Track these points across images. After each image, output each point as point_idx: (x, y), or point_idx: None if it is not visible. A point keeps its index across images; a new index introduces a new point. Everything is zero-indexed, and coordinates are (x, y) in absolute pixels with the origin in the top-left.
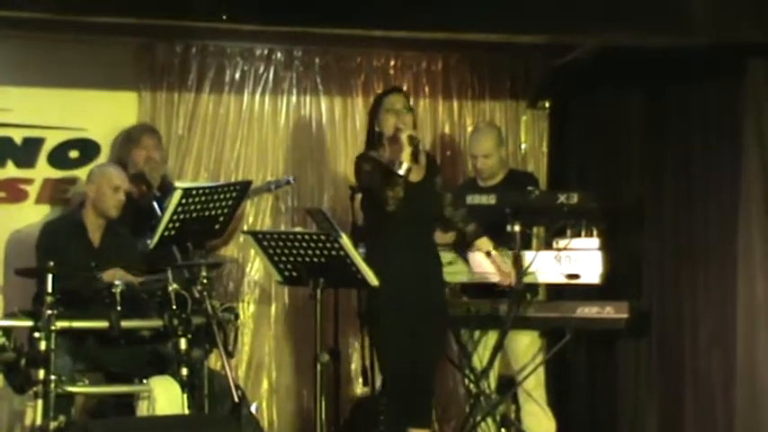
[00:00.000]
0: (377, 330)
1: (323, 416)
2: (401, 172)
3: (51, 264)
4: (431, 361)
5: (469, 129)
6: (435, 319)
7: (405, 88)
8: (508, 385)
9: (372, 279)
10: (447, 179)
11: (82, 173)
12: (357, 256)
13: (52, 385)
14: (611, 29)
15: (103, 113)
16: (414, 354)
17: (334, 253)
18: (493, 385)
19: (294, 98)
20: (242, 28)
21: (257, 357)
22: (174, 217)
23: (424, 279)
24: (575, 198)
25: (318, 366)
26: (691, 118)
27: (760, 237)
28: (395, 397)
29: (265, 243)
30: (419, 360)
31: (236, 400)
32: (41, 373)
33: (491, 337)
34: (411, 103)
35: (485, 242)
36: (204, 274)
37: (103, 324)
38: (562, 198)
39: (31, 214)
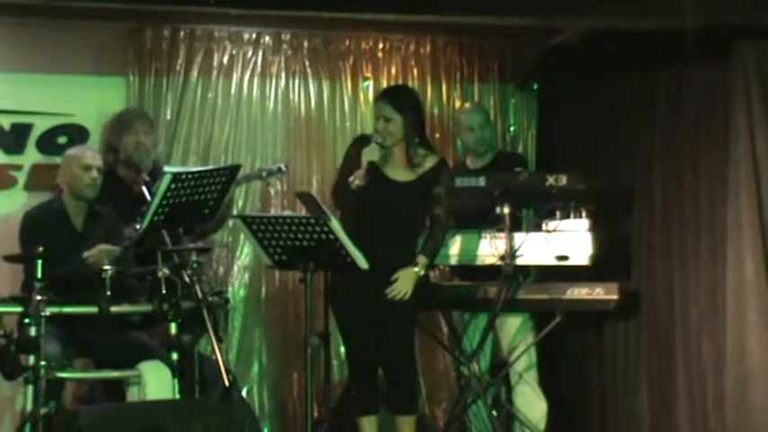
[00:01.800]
0: (337, 318)
1: (313, 399)
2: (352, 186)
3: (40, 249)
4: (399, 347)
5: (459, 108)
6: (397, 306)
7: (393, 73)
8: (500, 368)
9: (362, 262)
10: None
11: None
12: (346, 240)
13: (42, 371)
14: (598, 12)
15: (91, 99)
16: (379, 340)
17: (323, 236)
18: (485, 368)
19: (283, 82)
20: (230, 12)
21: (247, 341)
22: (164, 202)
23: (387, 271)
24: (563, 180)
25: (308, 350)
26: (680, 100)
27: (749, 218)
28: (359, 381)
29: (255, 227)
30: (387, 347)
31: (227, 384)
32: (31, 359)
33: (481, 320)
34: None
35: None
36: (194, 258)
37: (93, 309)
38: (551, 180)
39: (20, 200)
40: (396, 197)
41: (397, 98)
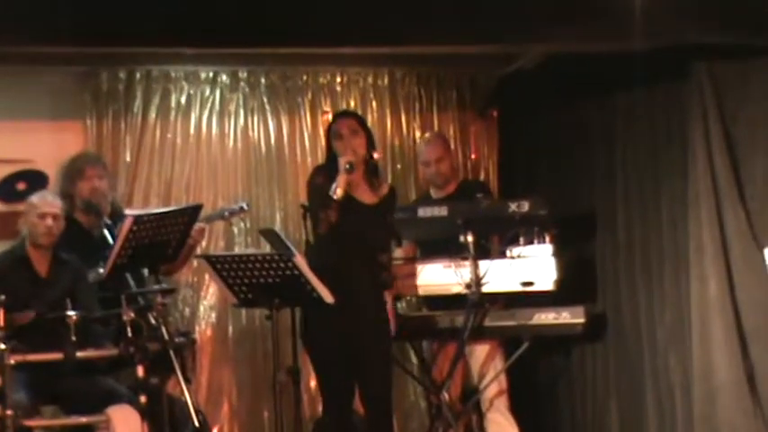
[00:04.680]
0: (312, 355)
1: None
2: (335, 196)
3: (2, 297)
4: (377, 380)
5: (419, 140)
6: (372, 340)
7: (353, 105)
8: (471, 395)
9: (328, 296)
10: (399, 194)
11: None
12: (311, 275)
13: (9, 420)
14: (552, 37)
15: (50, 143)
16: (355, 375)
17: (288, 273)
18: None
19: (242, 119)
20: (185, 51)
21: (216, 381)
22: (126, 244)
23: (359, 299)
24: (525, 206)
25: (277, 386)
26: (638, 122)
27: (710, 236)
28: (336, 417)
29: (219, 266)
30: (364, 382)
31: (197, 425)
32: None
33: (450, 348)
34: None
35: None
36: (159, 300)
37: (58, 356)
38: (513, 206)
39: None
40: (367, 219)
41: (356, 114)
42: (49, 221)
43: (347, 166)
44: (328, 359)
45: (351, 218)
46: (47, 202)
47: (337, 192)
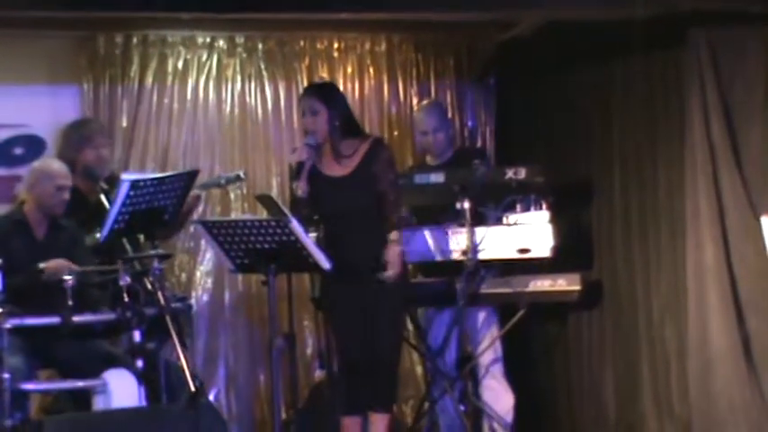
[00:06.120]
0: (329, 318)
1: (281, 400)
2: (298, 194)
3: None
4: (386, 345)
5: (416, 108)
6: (386, 305)
7: (350, 72)
8: (466, 362)
9: (324, 262)
10: (396, 159)
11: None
12: (307, 240)
13: (6, 383)
14: (550, 4)
15: (47, 108)
16: (369, 339)
17: (284, 238)
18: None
19: (239, 85)
20: (182, 16)
21: (213, 346)
22: (123, 209)
23: (370, 265)
24: (522, 173)
25: (273, 351)
26: (635, 89)
27: (706, 204)
28: (348, 381)
29: (215, 232)
30: (375, 345)
31: (194, 389)
32: None
33: (446, 315)
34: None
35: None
36: (156, 265)
37: (55, 320)
38: (510, 173)
39: None
40: (338, 192)
41: (322, 91)
42: (66, 195)
43: (296, 166)
44: (342, 326)
45: (323, 195)
46: (64, 174)
47: (298, 192)
